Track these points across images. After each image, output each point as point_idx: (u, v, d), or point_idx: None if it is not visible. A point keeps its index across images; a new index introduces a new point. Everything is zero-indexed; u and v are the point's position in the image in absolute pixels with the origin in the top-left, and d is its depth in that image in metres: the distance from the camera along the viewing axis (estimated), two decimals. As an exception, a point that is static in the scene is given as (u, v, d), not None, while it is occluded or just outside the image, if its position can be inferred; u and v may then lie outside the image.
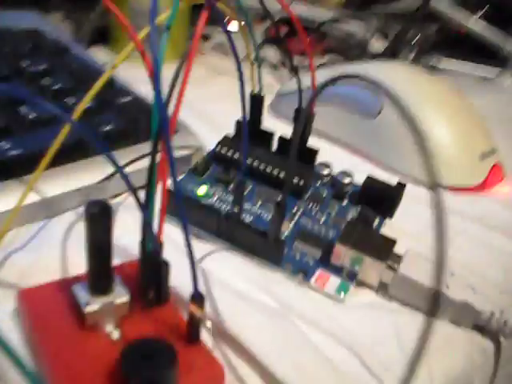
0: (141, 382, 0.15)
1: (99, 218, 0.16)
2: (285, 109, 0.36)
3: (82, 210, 0.25)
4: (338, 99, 0.34)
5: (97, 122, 0.27)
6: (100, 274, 0.17)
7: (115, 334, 0.17)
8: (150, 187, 0.17)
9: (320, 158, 0.28)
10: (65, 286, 0.19)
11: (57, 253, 0.22)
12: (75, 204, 0.25)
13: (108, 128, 0.27)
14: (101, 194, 0.25)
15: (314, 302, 0.22)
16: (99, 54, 0.43)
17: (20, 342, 0.18)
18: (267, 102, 0.35)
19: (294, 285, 0.23)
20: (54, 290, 0.19)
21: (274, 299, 0.21)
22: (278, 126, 0.29)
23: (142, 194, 0.17)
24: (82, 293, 0.17)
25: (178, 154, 0.28)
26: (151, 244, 0.17)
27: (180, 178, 0.26)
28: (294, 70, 0.38)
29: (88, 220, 0.16)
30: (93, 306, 0.17)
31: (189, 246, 0.16)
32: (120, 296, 0.17)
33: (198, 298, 0.17)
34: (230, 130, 0.29)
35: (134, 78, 0.30)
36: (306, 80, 0.27)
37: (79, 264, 0.21)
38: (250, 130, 0.26)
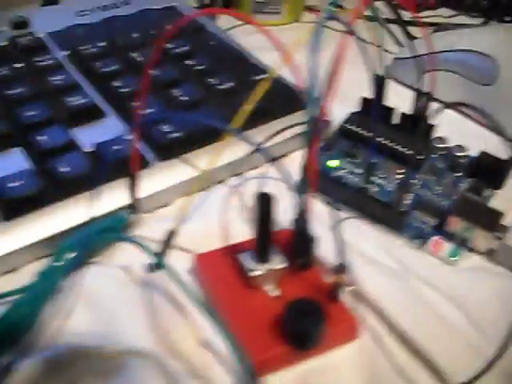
0: (299, 334, 0.20)
1: (268, 201, 0.20)
2: (401, 74, 0.39)
3: (230, 183, 0.30)
4: (453, 66, 0.36)
5: (239, 102, 0.31)
6: (263, 246, 0.22)
7: (273, 293, 0.23)
8: (306, 169, 0.21)
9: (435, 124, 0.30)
10: (230, 252, 0.24)
11: (216, 222, 0.27)
12: (224, 177, 0.30)
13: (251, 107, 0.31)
14: (244, 167, 0.30)
15: (431, 264, 0.26)
16: (224, 22, 0.47)
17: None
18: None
19: (413, 249, 0.26)
20: (223, 255, 0.24)
21: (397, 262, 0.25)
22: (394, 91, 0.32)
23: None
24: (247, 260, 0.23)
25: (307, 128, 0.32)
26: (303, 221, 0.22)
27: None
28: (410, 37, 0.40)
29: (259, 202, 0.20)
30: (256, 272, 0.22)
31: (336, 225, 0.20)
32: (277, 263, 0.22)
33: (341, 266, 0.21)
34: (354, 101, 0.32)
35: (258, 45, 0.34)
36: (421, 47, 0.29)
37: (236, 232, 0.27)
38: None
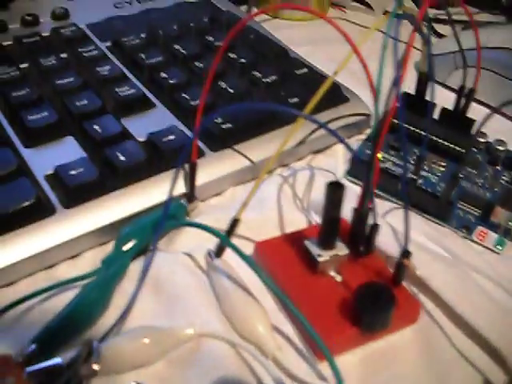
0: (371, 316, 0.21)
1: (338, 189, 0.21)
2: (436, 70, 0.40)
3: (282, 172, 0.31)
4: (487, 63, 0.37)
5: (284, 95, 0.32)
6: (331, 234, 0.23)
7: (338, 278, 0.23)
8: (371, 161, 0.22)
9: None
10: (291, 239, 0.25)
11: (271, 211, 0.28)
12: (273, 168, 0.31)
13: (295, 100, 0.32)
14: (292, 158, 0.31)
15: (478, 253, 0.27)
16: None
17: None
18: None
19: (459, 238, 0.28)
20: (283, 242, 0.25)
21: (446, 250, 0.27)
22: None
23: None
24: (313, 247, 0.24)
25: (350, 120, 0.33)
26: (364, 209, 0.23)
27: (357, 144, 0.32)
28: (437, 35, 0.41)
29: (330, 191, 0.21)
30: (324, 257, 0.23)
31: (406, 214, 0.21)
32: (342, 250, 0.23)
33: (405, 252, 0.22)
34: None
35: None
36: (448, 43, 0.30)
37: (290, 220, 0.28)
38: (415, 101, 0.31)
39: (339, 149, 0.33)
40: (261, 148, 0.30)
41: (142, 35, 0.37)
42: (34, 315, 0.23)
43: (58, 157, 0.28)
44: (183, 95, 0.32)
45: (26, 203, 0.25)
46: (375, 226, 0.23)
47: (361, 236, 0.24)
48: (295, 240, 0.25)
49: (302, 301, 0.22)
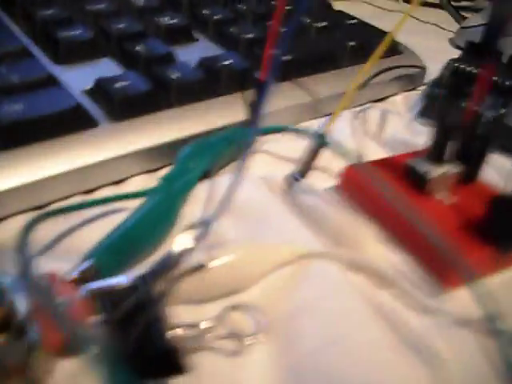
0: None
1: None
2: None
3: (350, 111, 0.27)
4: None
5: (339, 38, 0.30)
6: (441, 147, 0.20)
7: (448, 200, 0.20)
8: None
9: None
10: (383, 164, 0.21)
11: (349, 144, 0.24)
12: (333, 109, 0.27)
13: (352, 43, 0.29)
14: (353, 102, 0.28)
15: None
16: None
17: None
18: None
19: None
20: (375, 166, 0.21)
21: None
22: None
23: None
24: (420, 165, 0.20)
25: (404, 72, 0.30)
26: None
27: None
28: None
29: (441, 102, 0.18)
30: (434, 174, 0.20)
31: None
32: (452, 168, 0.20)
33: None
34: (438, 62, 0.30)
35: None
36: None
37: (370, 153, 0.24)
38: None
39: (398, 99, 0.30)
40: (322, 85, 0.27)
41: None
42: (84, 233, 0.18)
43: (95, 74, 0.24)
44: (231, 29, 0.28)
45: (65, 109, 0.21)
46: (486, 139, 0.20)
47: (473, 160, 0.21)
48: (389, 164, 0.21)
49: (413, 226, 0.19)
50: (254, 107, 0.23)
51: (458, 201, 0.20)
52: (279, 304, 0.16)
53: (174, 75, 0.23)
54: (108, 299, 0.14)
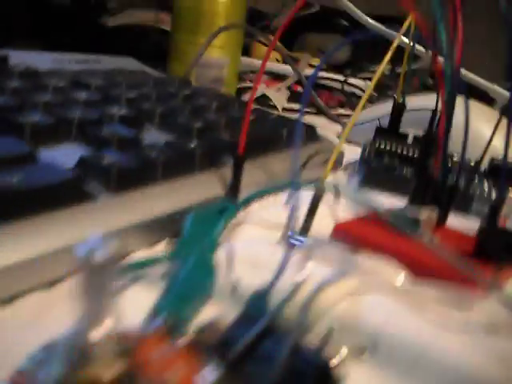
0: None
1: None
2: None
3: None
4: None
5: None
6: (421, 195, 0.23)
7: (434, 240, 0.22)
8: None
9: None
10: (367, 219, 0.24)
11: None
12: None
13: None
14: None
15: None
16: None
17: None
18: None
19: None
20: (362, 221, 0.23)
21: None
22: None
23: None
24: (407, 211, 0.23)
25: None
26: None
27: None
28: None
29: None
30: (423, 216, 0.22)
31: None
32: (430, 211, 0.23)
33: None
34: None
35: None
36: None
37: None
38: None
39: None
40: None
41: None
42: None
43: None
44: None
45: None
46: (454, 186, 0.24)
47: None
48: (373, 219, 0.23)
49: (420, 259, 0.21)
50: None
51: (441, 241, 0.23)
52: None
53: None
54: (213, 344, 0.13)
